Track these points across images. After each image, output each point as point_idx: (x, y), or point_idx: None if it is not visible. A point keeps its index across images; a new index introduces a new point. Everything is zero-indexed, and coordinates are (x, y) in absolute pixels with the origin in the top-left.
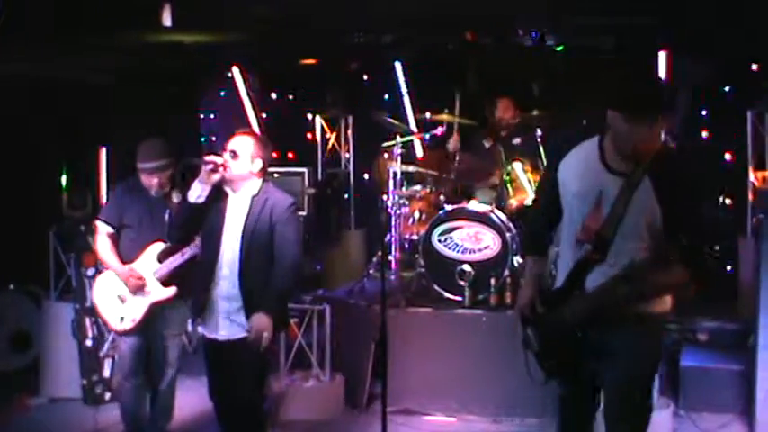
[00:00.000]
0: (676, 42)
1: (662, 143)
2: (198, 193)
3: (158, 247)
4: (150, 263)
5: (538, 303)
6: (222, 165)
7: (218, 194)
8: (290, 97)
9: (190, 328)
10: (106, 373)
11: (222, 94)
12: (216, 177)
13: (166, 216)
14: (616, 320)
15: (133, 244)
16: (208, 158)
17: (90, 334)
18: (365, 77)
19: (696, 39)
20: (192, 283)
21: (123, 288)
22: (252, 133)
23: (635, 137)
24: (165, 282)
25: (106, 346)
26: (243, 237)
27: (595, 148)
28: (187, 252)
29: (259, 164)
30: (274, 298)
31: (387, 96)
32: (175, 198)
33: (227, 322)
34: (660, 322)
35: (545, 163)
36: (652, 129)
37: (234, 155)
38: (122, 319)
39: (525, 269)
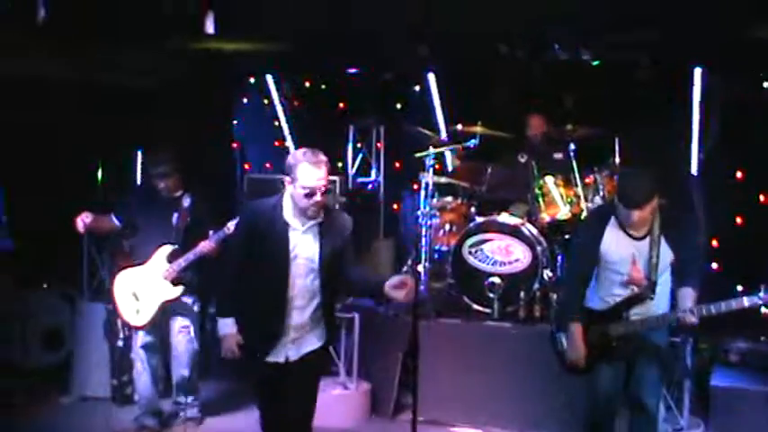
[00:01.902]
0: (711, 58)
1: (661, 205)
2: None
3: (167, 249)
4: (160, 264)
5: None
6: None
7: (272, 224)
8: (323, 106)
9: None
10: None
11: (245, 101)
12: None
13: (174, 219)
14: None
15: (144, 245)
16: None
17: (121, 335)
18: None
19: (731, 55)
20: (252, 315)
21: (138, 286)
22: (318, 159)
23: (634, 219)
24: (174, 281)
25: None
26: (321, 265)
27: (616, 224)
28: (194, 254)
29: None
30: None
31: (419, 107)
32: (185, 202)
33: (296, 347)
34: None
35: (576, 179)
36: (645, 210)
37: (322, 192)
38: (137, 315)
39: (571, 334)
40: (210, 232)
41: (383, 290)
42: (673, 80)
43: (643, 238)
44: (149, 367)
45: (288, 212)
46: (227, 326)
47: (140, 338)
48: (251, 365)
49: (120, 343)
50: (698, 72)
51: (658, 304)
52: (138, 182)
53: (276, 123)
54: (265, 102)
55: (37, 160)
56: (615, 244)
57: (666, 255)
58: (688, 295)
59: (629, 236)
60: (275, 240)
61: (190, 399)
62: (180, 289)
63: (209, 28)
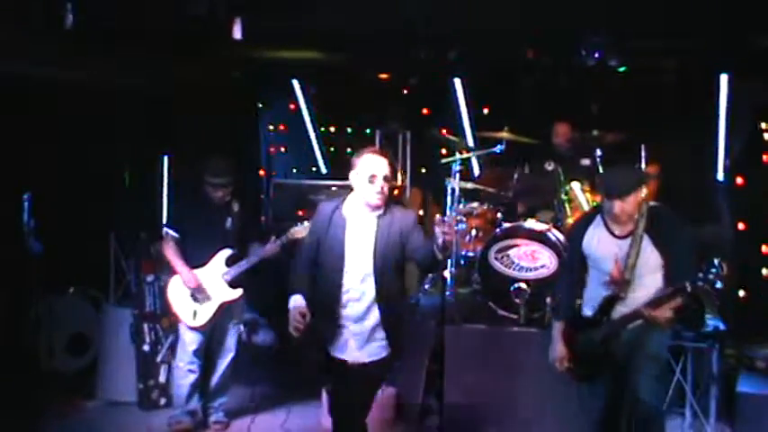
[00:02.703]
0: (738, 65)
1: (651, 205)
2: None
3: (226, 252)
4: (219, 267)
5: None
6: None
7: (331, 218)
8: (349, 112)
9: (245, 337)
10: (162, 378)
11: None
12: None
13: (228, 223)
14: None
15: (199, 250)
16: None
17: (147, 339)
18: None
19: (758, 62)
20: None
21: (197, 288)
22: (381, 151)
23: (617, 211)
24: (233, 284)
25: (163, 351)
26: (375, 257)
27: (601, 222)
28: (253, 258)
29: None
30: None
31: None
32: (235, 207)
33: (364, 344)
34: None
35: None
36: (628, 201)
37: (387, 179)
38: (195, 315)
39: (554, 330)
40: (273, 237)
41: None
42: (699, 87)
43: (626, 236)
44: (198, 370)
45: (348, 207)
46: (294, 300)
47: (193, 340)
48: (316, 358)
49: (147, 348)
50: (724, 79)
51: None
52: (165, 186)
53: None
54: (291, 107)
55: (65, 165)
56: (597, 242)
57: (650, 255)
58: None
59: (612, 234)
60: (333, 234)
61: (220, 402)
62: (240, 291)
63: (237, 34)
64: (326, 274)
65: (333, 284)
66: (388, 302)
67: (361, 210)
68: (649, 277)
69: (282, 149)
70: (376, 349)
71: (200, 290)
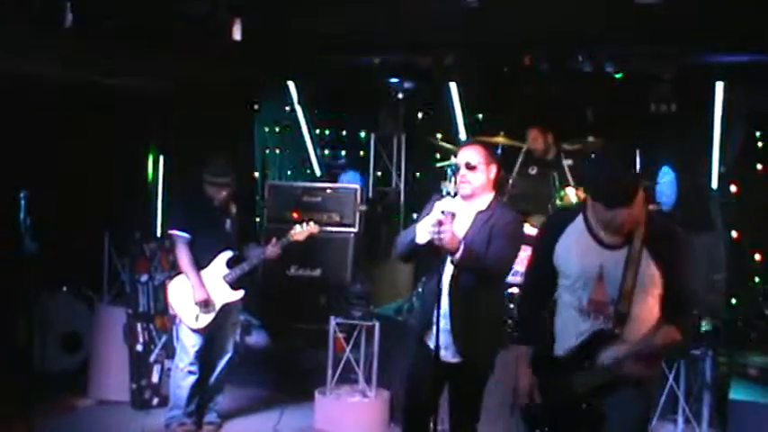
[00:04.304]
0: (734, 72)
1: (650, 211)
2: (423, 237)
3: (227, 254)
4: (220, 268)
5: (536, 391)
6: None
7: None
8: (344, 114)
9: (238, 338)
10: (155, 378)
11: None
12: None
13: (228, 225)
14: (616, 386)
15: (203, 251)
16: (439, 219)
17: (141, 339)
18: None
19: (754, 69)
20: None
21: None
22: (480, 142)
23: (621, 221)
24: (234, 285)
25: (156, 351)
26: (463, 251)
27: (583, 227)
28: (254, 260)
29: (494, 170)
30: None
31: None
32: (233, 209)
33: (450, 342)
34: (653, 381)
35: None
36: (633, 206)
37: (469, 167)
38: (197, 318)
39: (519, 357)
40: (273, 239)
41: None
42: (695, 94)
43: (618, 247)
44: (198, 372)
45: (458, 199)
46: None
47: (194, 342)
48: (416, 349)
49: (140, 347)
50: (720, 86)
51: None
52: (161, 187)
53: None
54: (287, 109)
55: (60, 164)
56: (576, 251)
57: (650, 275)
58: (663, 334)
59: (599, 242)
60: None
61: (214, 402)
62: (241, 292)
63: (237, 35)
64: (432, 266)
65: (435, 279)
66: (462, 304)
67: (461, 202)
68: (646, 305)
69: (277, 151)
70: (454, 349)
71: (206, 301)
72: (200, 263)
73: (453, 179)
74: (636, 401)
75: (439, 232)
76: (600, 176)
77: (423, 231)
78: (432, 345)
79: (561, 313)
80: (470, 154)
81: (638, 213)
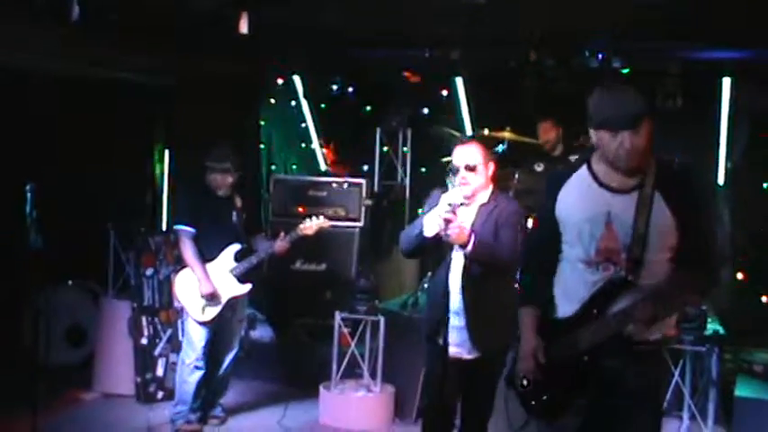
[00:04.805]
0: (740, 69)
1: (658, 156)
2: (432, 229)
3: (235, 247)
4: (228, 262)
5: (542, 353)
6: (452, 219)
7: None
8: (350, 108)
9: (243, 333)
10: (160, 372)
11: (272, 101)
12: (453, 230)
13: (234, 217)
14: (624, 348)
15: (209, 244)
16: (445, 218)
17: (146, 333)
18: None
19: (760, 66)
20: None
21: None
22: (475, 140)
23: (628, 147)
24: (241, 279)
25: (161, 345)
26: (465, 255)
27: (587, 175)
28: (261, 253)
29: (491, 167)
30: None
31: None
32: (238, 201)
33: (463, 339)
34: (662, 346)
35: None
36: (641, 133)
37: (469, 168)
38: (204, 310)
39: (522, 322)
40: (282, 233)
41: None
42: (701, 89)
43: (628, 190)
44: (205, 367)
45: (449, 194)
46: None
47: (201, 336)
48: (428, 348)
49: (145, 341)
50: (726, 82)
51: None
52: (167, 180)
53: (303, 125)
54: (293, 103)
55: (65, 156)
56: (580, 199)
57: (664, 221)
58: (679, 278)
59: (606, 187)
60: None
61: (221, 397)
62: (248, 286)
63: (243, 28)
64: (439, 262)
65: (442, 275)
66: (476, 299)
67: (454, 200)
68: (661, 251)
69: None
70: (470, 346)
71: (213, 294)
72: (207, 256)
73: (452, 179)
74: (647, 373)
75: (447, 226)
76: (604, 99)
77: (430, 224)
78: (443, 344)
79: (565, 272)
80: (469, 154)
81: (646, 144)
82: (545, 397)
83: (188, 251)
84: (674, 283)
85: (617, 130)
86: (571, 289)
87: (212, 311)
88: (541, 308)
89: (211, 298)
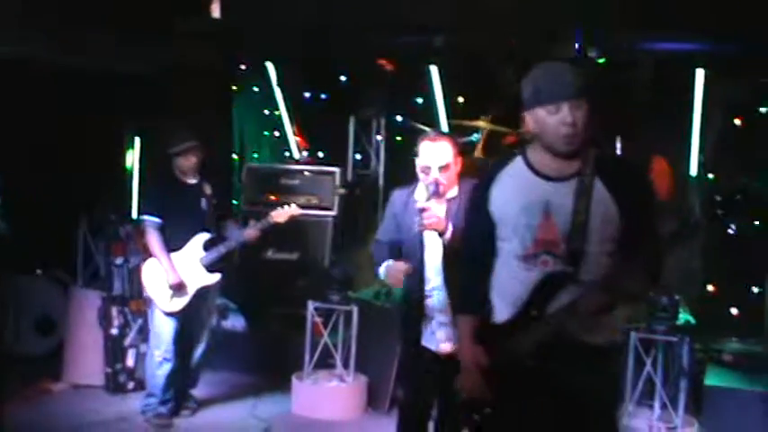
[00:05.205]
0: (715, 61)
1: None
2: (397, 285)
3: (204, 236)
4: (196, 251)
5: (484, 359)
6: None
7: (405, 205)
8: (323, 96)
9: (214, 323)
10: (130, 362)
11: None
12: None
13: (203, 205)
14: (570, 350)
15: (177, 233)
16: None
17: (116, 323)
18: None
19: (734, 59)
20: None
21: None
22: (443, 136)
23: (570, 121)
24: (210, 268)
25: (131, 335)
26: (444, 244)
27: (522, 165)
28: (231, 242)
29: (459, 161)
30: None
31: (421, 100)
32: (207, 189)
33: (446, 334)
34: (617, 352)
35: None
36: (583, 108)
37: (441, 167)
38: (171, 301)
39: (460, 331)
40: (252, 221)
41: None
42: (675, 81)
43: (566, 178)
44: (174, 358)
45: (420, 193)
46: (385, 266)
47: (168, 328)
48: (406, 350)
49: (115, 331)
50: (700, 74)
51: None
52: (137, 168)
53: (276, 113)
54: (265, 90)
55: (34, 144)
56: (515, 189)
57: (605, 210)
58: (623, 271)
59: (543, 176)
60: (411, 222)
61: (191, 389)
62: (218, 276)
63: (216, 12)
64: (410, 262)
65: (416, 274)
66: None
67: (425, 200)
68: (602, 242)
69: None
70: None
71: (180, 284)
72: (175, 245)
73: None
74: (599, 383)
75: (424, 219)
76: (542, 74)
77: (394, 279)
78: (427, 344)
79: (501, 272)
80: (441, 153)
81: (587, 123)
82: (488, 409)
83: (153, 241)
84: (618, 275)
85: (558, 103)
86: (508, 290)
87: (180, 302)
88: (479, 314)
89: (179, 288)
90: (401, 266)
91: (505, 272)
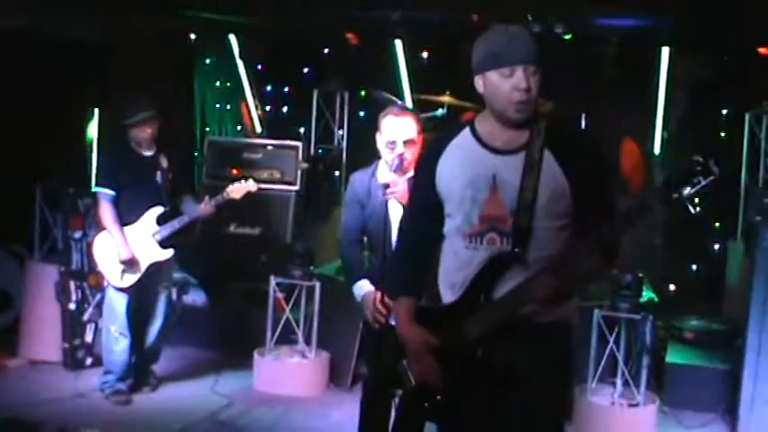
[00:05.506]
0: (679, 39)
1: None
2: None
3: (158, 210)
4: (150, 225)
5: (432, 338)
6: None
7: (369, 189)
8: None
9: (174, 297)
10: (89, 338)
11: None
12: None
13: (158, 178)
14: (523, 334)
15: (130, 206)
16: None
17: (74, 298)
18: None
19: (698, 36)
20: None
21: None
22: (407, 111)
23: (524, 86)
24: (163, 244)
25: (89, 310)
26: None
27: (470, 137)
28: (185, 218)
29: (420, 140)
30: None
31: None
32: (163, 161)
33: None
34: (570, 331)
35: None
36: (537, 74)
37: (407, 142)
38: (122, 276)
39: (398, 316)
40: (207, 197)
41: None
42: (640, 59)
43: (514, 151)
44: (129, 333)
45: (382, 173)
46: (362, 287)
47: (122, 303)
48: (370, 327)
49: (73, 306)
50: (665, 51)
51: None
52: (96, 140)
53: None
54: (228, 63)
55: None
56: (460, 163)
57: (556, 183)
58: (576, 249)
59: (489, 149)
60: (375, 205)
61: (151, 365)
62: (170, 251)
63: None
64: (377, 248)
65: (381, 248)
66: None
67: (390, 176)
68: (552, 220)
69: (217, 106)
70: None
71: (132, 260)
72: (128, 219)
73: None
74: (552, 362)
75: (388, 192)
76: (496, 36)
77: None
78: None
79: (446, 251)
80: (407, 127)
81: (538, 85)
82: (439, 396)
83: (106, 214)
84: (571, 254)
85: (511, 66)
86: (452, 270)
87: (131, 278)
88: (419, 296)
89: (130, 264)
90: (380, 299)
91: (450, 251)
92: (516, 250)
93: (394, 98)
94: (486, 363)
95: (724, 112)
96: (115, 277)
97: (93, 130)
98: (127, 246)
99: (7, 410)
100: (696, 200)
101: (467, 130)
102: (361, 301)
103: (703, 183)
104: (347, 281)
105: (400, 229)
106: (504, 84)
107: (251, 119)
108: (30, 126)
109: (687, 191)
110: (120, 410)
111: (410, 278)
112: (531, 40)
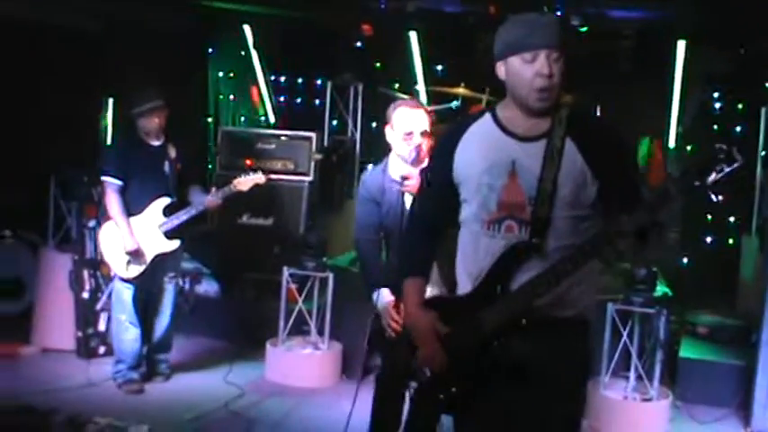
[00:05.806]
0: (695, 32)
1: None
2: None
3: (164, 201)
4: (156, 216)
5: (441, 325)
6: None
7: (382, 188)
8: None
9: (188, 286)
10: (102, 326)
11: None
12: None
13: (166, 168)
14: (540, 328)
15: (137, 196)
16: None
17: (87, 286)
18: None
19: (714, 29)
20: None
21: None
22: (419, 105)
23: (546, 72)
24: (171, 234)
25: (103, 299)
26: None
27: (491, 123)
28: (192, 209)
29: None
30: None
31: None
32: (172, 151)
33: None
34: (588, 328)
35: None
36: (560, 61)
37: (424, 133)
38: (128, 266)
39: (407, 297)
40: (213, 188)
41: None
42: (656, 52)
43: (536, 138)
44: (139, 322)
45: (394, 168)
46: (383, 297)
47: (128, 292)
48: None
49: (86, 295)
50: (681, 44)
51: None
52: (109, 130)
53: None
54: (242, 54)
55: (5, 104)
56: (480, 148)
57: (578, 172)
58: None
59: (510, 134)
60: (390, 201)
61: (163, 355)
62: (177, 242)
63: None
64: (395, 244)
65: (396, 240)
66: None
67: (406, 168)
68: (570, 211)
69: (231, 97)
70: None
71: (137, 251)
72: (135, 209)
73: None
74: (569, 357)
75: (405, 183)
76: (519, 22)
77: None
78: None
79: (464, 242)
80: (422, 119)
81: (562, 78)
82: (454, 389)
83: (113, 204)
84: (594, 242)
85: (535, 51)
86: (470, 258)
87: (136, 269)
88: (426, 276)
89: (135, 255)
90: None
91: (469, 239)
92: (534, 240)
93: (401, 95)
94: (502, 355)
95: (740, 106)
96: (120, 268)
97: (107, 120)
98: (133, 237)
99: (20, 398)
100: (718, 187)
101: (488, 116)
102: (380, 309)
103: (727, 170)
104: (364, 279)
105: (411, 211)
106: (526, 69)
107: (261, 101)
108: (44, 115)
109: (712, 177)
110: (133, 399)
111: (418, 259)
112: (555, 24)
